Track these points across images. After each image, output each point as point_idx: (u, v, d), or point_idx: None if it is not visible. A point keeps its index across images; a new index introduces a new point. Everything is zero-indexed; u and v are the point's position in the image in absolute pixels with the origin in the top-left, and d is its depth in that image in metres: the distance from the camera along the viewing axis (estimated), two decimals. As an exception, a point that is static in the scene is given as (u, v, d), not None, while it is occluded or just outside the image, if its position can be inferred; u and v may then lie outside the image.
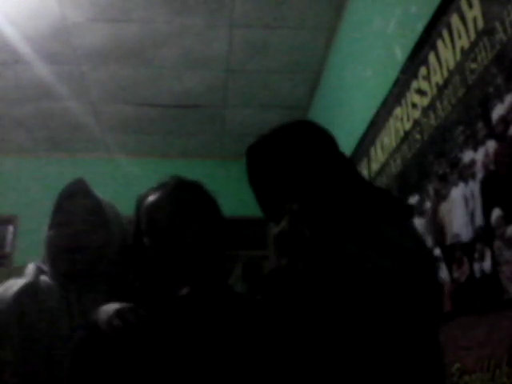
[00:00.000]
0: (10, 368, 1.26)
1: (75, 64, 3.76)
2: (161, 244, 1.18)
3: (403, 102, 2.28)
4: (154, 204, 1.22)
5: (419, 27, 2.11)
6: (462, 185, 1.75)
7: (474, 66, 1.68)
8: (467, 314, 1.67)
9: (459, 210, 1.76)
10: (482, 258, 1.59)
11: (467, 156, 1.71)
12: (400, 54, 2.36)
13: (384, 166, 2.51)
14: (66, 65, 3.76)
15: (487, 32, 1.60)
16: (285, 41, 3.58)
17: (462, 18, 1.76)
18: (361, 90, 3.00)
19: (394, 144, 2.38)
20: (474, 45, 1.68)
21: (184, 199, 1.23)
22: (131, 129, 4.63)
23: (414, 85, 2.16)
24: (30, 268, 1.43)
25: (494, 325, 1.50)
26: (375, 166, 2.65)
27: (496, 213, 1.53)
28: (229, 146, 4.88)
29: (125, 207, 1.49)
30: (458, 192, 1.78)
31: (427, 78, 2.04)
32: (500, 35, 1.53)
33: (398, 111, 2.35)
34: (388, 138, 2.47)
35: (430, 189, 1.98)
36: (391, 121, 2.42)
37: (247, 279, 1.31)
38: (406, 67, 2.25)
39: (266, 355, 1.08)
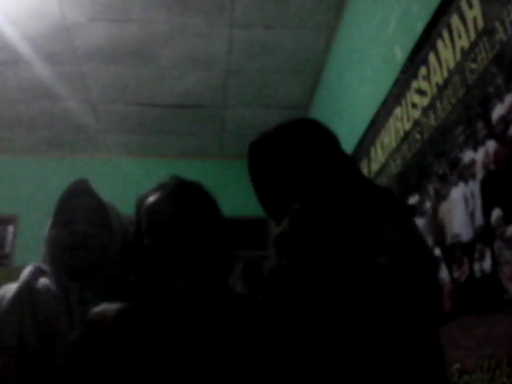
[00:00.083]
0: (11, 370, 1.26)
1: (75, 64, 3.76)
2: (161, 244, 1.19)
3: (403, 101, 2.28)
4: (155, 204, 1.22)
5: (419, 27, 2.11)
6: (461, 185, 1.75)
7: (473, 66, 1.68)
8: (467, 314, 1.67)
9: (459, 209, 1.76)
10: (482, 258, 1.59)
11: (467, 156, 1.71)
12: (400, 54, 2.36)
13: (384, 166, 2.51)
14: (66, 65, 3.76)
15: (487, 32, 1.60)
16: (285, 41, 3.58)
17: (462, 18, 1.76)
18: (361, 90, 3.00)
19: (394, 144, 2.38)
20: (474, 45, 1.68)
21: (184, 200, 1.23)
22: (131, 129, 4.63)
23: (414, 85, 2.16)
24: (26, 272, 1.43)
25: (494, 325, 1.50)
26: (375, 166, 2.65)
27: (496, 213, 1.53)
28: (229, 146, 4.88)
29: (125, 207, 1.49)
30: (457, 192, 1.78)
31: (427, 78, 2.04)
32: (500, 35, 1.53)
33: (398, 111, 2.35)
34: (388, 138, 2.47)
35: (430, 189, 1.98)
36: (391, 121, 2.42)
37: (247, 279, 1.31)
38: (406, 67, 2.25)
39: (263, 354, 1.08)
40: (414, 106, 2.15)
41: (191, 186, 1.29)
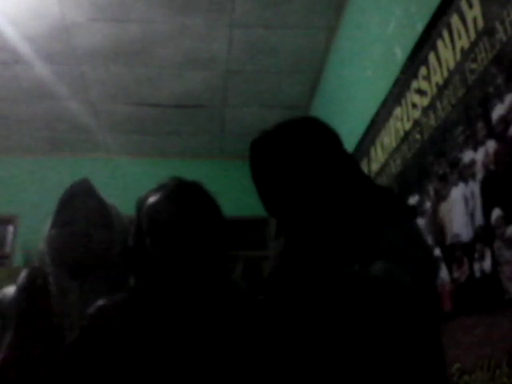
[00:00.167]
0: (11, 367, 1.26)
1: (75, 64, 3.76)
2: (162, 244, 1.19)
3: (403, 101, 2.28)
4: (155, 205, 1.23)
5: (419, 27, 2.11)
6: (461, 185, 1.75)
7: (474, 66, 1.68)
8: (467, 313, 1.67)
9: (459, 209, 1.76)
10: (482, 258, 1.59)
11: (467, 156, 1.71)
12: (400, 54, 2.36)
13: (384, 166, 2.51)
14: (66, 65, 3.76)
15: (487, 32, 1.60)
16: (285, 41, 3.58)
17: (462, 18, 1.76)
18: (361, 90, 3.00)
19: (394, 144, 2.38)
20: (474, 45, 1.68)
21: (184, 200, 1.24)
22: (131, 129, 4.63)
23: (414, 85, 2.16)
24: (23, 274, 1.43)
25: (494, 325, 1.50)
26: (375, 166, 2.65)
27: (496, 213, 1.53)
28: (229, 146, 4.88)
29: (125, 207, 1.49)
30: (457, 192, 1.78)
31: (427, 78, 2.04)
32: (500, 35, 1.53)
33: (398, 111, 2.35)
34: (388, 138, 2.47)
35: (430, 189, 1.98)
36: (391, 121, 2.42)
37: (247, 279, 1.31)
38: (406, 67, 2.25)
39: (262, 355, 1.09)
40: (414, 106, 2.15)
41: (191, 186, 1.29)
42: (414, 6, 2.22)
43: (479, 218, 1.62)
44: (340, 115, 3.35)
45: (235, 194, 3.83)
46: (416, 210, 1.29)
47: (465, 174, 1.73)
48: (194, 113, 4.40)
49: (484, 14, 1.63)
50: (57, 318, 1.32)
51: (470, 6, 1.71)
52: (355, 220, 1.10)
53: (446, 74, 1.88)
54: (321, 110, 3.98)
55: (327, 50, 3.66)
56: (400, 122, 2.31)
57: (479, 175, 1.63)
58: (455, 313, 1.73)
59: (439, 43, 1.94)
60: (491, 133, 1.57)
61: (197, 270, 1.20)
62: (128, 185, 4.16)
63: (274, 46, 3.62)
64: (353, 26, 3.17)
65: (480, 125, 1.63)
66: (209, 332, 1.13)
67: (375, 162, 2.65)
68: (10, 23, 3.33)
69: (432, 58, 2.00)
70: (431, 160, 1.98)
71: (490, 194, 1.58)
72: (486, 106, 1.60)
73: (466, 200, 1.72)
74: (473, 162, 1.67)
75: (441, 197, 1.90)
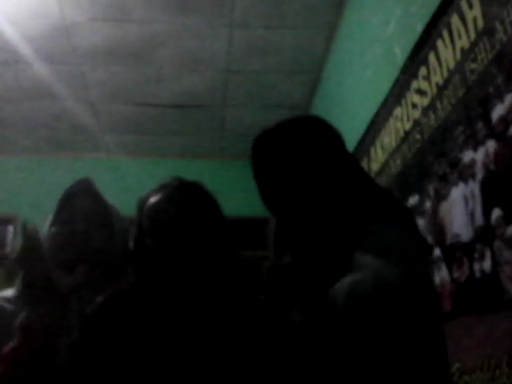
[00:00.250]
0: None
1: (75, 64, 3.76)
2: (163, 245, 1.19)
3: (403, 101, 2.28)
4: (156, 205, 1.23)
5: (419, 27, 2.11)
6: (462, 185, 1.75)
7: (474, 65, 1.68)
8: (467, 313, 1.67)
9: (459, 209, 1.76)
10: (482, 258, 1.59)
11: (467, 156, 1.71)
12: (400, 54, 2.36)
13: (384, 166, 2.51)
14: (66, 65, 3.76)
15: (487, 32, 1.60)
16: (285, 41, 3.58)
17: (462, 18, 1.76)
18: (361, 90, 3.00)
19: (394, 144, 2.38)
20: (474, 45, 1.68)
21: (185, 200, 1.24)
22: (131, 129, 4.63)
23: (414, 85, 2.16)
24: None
25: (494, 325, 1.50)
26: (375, 166, 2.65)
27: (496, 213, 1.53)
28: (229, 146, 4.88)
29: (124, 207, 1.49)
30: (458, 192, 1.78)
31: (427, 78, 2.04)
32: (500, 35, 1.53)
33: (398, 111, 2.35)
34: (388, 138, 2.47)
35: (430, 189, 1.98)
36: (391, 121, 2.42)
37: (247, 279, 1.32)
38: (406, 67, 2.25)
39: (262, 354, 1.09)
40: (414, 106, 2.15)
41: (193, 186, 1.29)
42: (414, 6, 2.22)
43: (479, 218, 1.62)
44: (340, 115, 3.35)
45: (235, 194, 3.83)
46: (411, 213, 1.28)
47: (465, 174, 1.73)
48: (194, 113, 4.40)
49: (484, 14, 1.63)
50: (56, 317, 1.32)
51: (470, 6, 1.71)
52: (351, 222, 1.10)
53: (446, 74, 1.88)
54: (321, 109, 3.98)
55: (327, 50, 3.66)
56: (400, 121, 2.31)
57: (479, 175, 1.63)
58: (455, 313, 1.73)
59: (439, 43, 1.94)
60: (491, 133, 1.57)
61: (198, 270, 1.20)
62: (128, 185, 4.17)
63: (274, 45, 3.62)
64: (353, 26, 3.17)
65: (480, 125, 1.63)
66: (208, 331, 1.13)
67: (375, 161, 2.65)
68: (10, 23, 3.33)
69: (432, 57, 2.00)
70: (431, 160, 1.98)
71: (490, 194, 1.58)
72: (486, 105, 1.60)
73: (465, 200, 1.72)
74: (473, 162, 1.67)
75: (441, 197, 1.90)
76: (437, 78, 1.95)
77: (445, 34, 1.90)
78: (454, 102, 1.81)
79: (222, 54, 3.69)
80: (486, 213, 1.58)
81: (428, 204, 2.00)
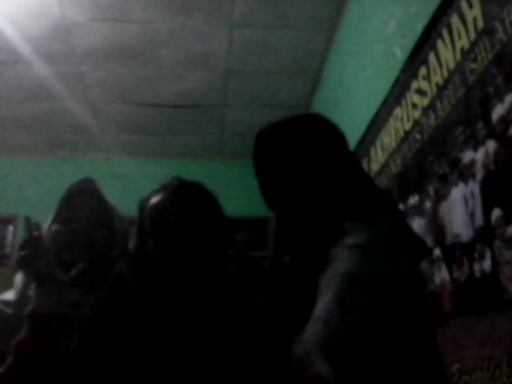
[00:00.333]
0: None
1: (75, 64, 3.76)
2: (165, 245, 1.19)
3: (403, 101, 2.28)
4: (157, 205, 1.23)
5: (419, 27, 2.11)
6: (461, 185, 1.75)
7: (474, 66, 1.68)
8: (467, 313, 1.67)
9: (459, 209, 1.76)
10: (482, 258, 1.59)
11: (467, 156, 1.71)
12: (400, 54, 2.36)
13: (384, 166, 2.51)
14: (66, 65, 3.76)
15: (487, 32, 1.60)
16: (285, 41, 3.58)
17: (462, 18, 1.76)
18: (361, 90, 3.00)
19: (394, 144, 2.39)
20: (474, 45, 1.68)
21: (186, 200, 1.24)
22: (131, 129, 4.63)
23: (414, 85, 2.16)
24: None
25: (494, 325, 1.50)
26: (375, 166, 2.65)
27: (496, 213, 1.53)
28: (229, 146, 4.88)
29: (124, 207, 1.49)
30: (457, 192, 1.78)
31: (427, 78, 2.04)
32: (500, 35, 1.53)
33: (398, 111, 2.35)
34: (388, 138, 2.47)
35: (430, 189, 1.98)
36: (391, 121, 2.42)
37: (247, 279, 1.32)
38: (406, 67, 2.25)
39: (263, 354, 1.09)
40: (414, 106, 2.15)
41: (194, 186, 1.29)
42: (414, 6, 2.22)
43: (479, 218, 1.62)
44: (340, 115, 3.35)
45: (235, 194, 3.83)
46: (402, 215, 1.26)
47: (465, 174, 1.73)
48: (194, 113, 4.40)
49: (484, 14, 1.63)
50: (56, 317, 1.32)
51: (470, 5, 1.71)
52: (326, 218, 1.10)
53: (446, 73, 1.88)
54: (321, 109, 3.98)
55: (327, 50, 3.66)
56: (400, 122, 2.31)
57: (479, 175, 1.63)
58: (455, 313, 1.73)
59: (439, 43, 1.94)
60: (491, 133, 1.57)
61: (199, 270, 1.20)
62: (128, 185, 4.17)
63: (274, 45, 3.62)
64: (353, 25, 3.17)
65: (480, 125, 1.63)
66: (209, 331, 1.13)
67: (375, 161, 2.65)
68: (10, 23, 3.33)
69: (432, 57, 2.00)
70: (431, 160, 1.98)
71: (490, 194, 1.58)
72: (486, 105, 1.60)
73: (465, 200, 1.72)
74: (473, 162, 1.67)
75: (441, 197, 1.90)
76: (437, 78, 1.95)
77: (445, 34, 1.90)
78: (454, 102, 1.81)
79: (221, 54, 3.70)
80: (486, 213, 1.58)
81: (428, 204, 2.00)
